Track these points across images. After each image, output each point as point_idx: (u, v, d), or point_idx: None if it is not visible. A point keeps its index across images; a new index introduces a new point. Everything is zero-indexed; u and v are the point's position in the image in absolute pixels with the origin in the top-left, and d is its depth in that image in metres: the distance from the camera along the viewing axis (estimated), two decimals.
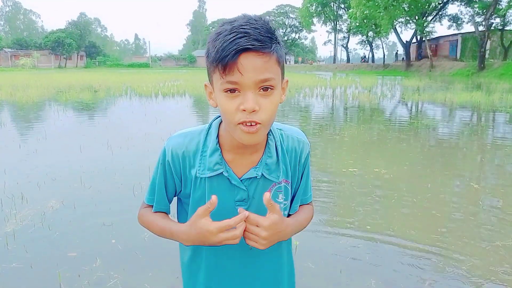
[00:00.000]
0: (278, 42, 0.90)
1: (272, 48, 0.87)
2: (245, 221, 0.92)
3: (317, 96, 16.31)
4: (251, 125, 0.89)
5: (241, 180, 1.02)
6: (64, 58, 75.26)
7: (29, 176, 4.80)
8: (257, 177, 1.02)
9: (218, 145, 1.02)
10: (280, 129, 1.08)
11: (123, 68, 72.83)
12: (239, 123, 0.90)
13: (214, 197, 0.91)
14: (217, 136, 1.03)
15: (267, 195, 0.91)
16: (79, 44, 77.89)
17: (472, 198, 4.17)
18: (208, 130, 1.05)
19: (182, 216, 1.13)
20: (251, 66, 0.86)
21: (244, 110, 0.88)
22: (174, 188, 1.09)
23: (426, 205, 3.97)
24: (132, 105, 13.21)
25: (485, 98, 14.08)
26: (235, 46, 0.84)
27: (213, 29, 0.94)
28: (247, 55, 0.85)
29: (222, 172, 1.01)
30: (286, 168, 1.07)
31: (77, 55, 79.74)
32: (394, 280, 2.66)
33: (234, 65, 0.85)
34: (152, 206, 1.11)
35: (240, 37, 0.84)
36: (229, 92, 0.89)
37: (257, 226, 0.93)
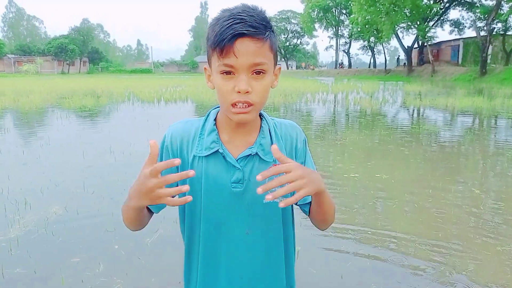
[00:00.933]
0: (272, 31, 0.97)
1: (266, 35, 0.95)
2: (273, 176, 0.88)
3: (319, 101, 16.34)
4: (243, 106, 0.96)
5: (236, 160, 1.05)
6: (67, 64, 75.70)
7: (32, 182, 4.84)
8: (252, 154, 1.05)
9: (215, 126, 1.08)
10: (273, 119, 1.14)
11: (126, 73, 73.17)
12: (232, 104, 0.96)
13: (152, 142, 0.87)
14: (215, 119, 1.09)
15: (274, 147, 0.89)
16: (82, 50, 78.36)
17: (473, 203, 4.17)
18: (207, 117, 1.11)
19: (181, 209, 1.14)
20: (246, 50, 0.92)
21: (239, 92, 0.94)
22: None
23: (427, 210, 3.98)
24: (134, 110, 13.28)
25: (486, 103, 14.09)
26: (231, 31, 0.91)
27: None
28: (242, 40, 0.92)
29: (218, 150, 1.04)
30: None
31: (80, 61, 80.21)
32: (395, 285, 2.67)
33: (231, 49, 0.92)
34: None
35: (237, 23, 0.91)
36: (225, 74, 0.96)
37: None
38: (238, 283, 1.09)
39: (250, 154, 1.05)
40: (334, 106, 15.30)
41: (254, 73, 0.96)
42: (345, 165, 5.91)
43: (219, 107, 1.09)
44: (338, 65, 71.06)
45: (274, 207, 1.06)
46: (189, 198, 0.89)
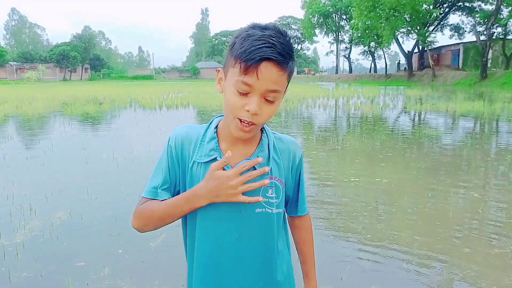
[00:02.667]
0: (294, 59, 1.01)
1: (288, 65, 0.99)
2: None
3: (320, 106, 16.41)
4: (247, 125, 1.01)
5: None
6: (69, 70, 76.04)
7: (37, 187, 4.90)
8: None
9: (215, 134, 1.12)
10: (273, 133, 1.19)
11: (127, 80, 73.44)
12: (237, 118, 1.01)
13: (229, 152, 1.03)
14: (216, 127, 1.14)
15: None
16: (84, 57, 78.71)
17: (473, 207, 4.22)
18: (210, 124, 1.16)
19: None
20: (268, 75, 0.96)
21: (248, 111, 0.99)
22: (175, 175, 1.14)
23: (427, 214, 4.03)
24: (136, 117, 13.36)
25: (487, 107, 14.14)
26: (261, 53, 0.94)
27: (241, 28, 1.03)
28: (267, 64, 0.95)
29: (216, 158, 1.09)
30: (278, 167, 1.14)
31: (82, 68, 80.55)
32: (395, 287, 2.72)
33: (255, 69, 0.95)
34: (154, 200, 1.13)
35: (268, 47, 0.95)
36: (240, 92, 0.99)
37: None
38: (227, 285, 1.13)
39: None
40: (335, 111, 15.37)
41: (265, 99, 1.00)
42: (345, 169, 5.96)
43: (222, 115, 1.13)
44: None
45: (266, 216, 1.12)
46: (260, 198, 1.06)
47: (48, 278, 2.81)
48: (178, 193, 1.15)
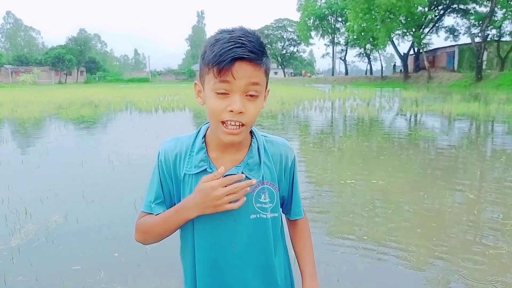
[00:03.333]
0: (267, 56, 1.02)
1: (262, 61, 0.99)
2: None
3: (316, 108, 16.44)
4: (235, 125, 0.99)
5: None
6: (64, 74, 75.76)
7: (32, 191, 4.88)
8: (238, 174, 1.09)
9: (204, 144, 1.11)
10: (264, 136, 1.17)
11: (123, 83, 73.34)
12: (222, 122, 1.00)
13: (222, 168, 1.03)
14: (204, 136, 1.13)
15: None
16: (79, 60, 78.43)
17: (468, 207, 4.24)
18: (198, 133, 1.15)
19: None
20: (243, 72, 0.96)
21: (231, 111, 0.98)
22: (168, 189, 1.15)
23: (423, 215, 4.04)
24: (132, 120, 13.33)
25: (482, 108, 14.21)
26: (232, 54, 0.94)
27: (211, 35, 1.03)
28: (241, 63, 0.95)
29: (206, 169, 1.08)
30: (270, 171, 1.13)
31: (77, 71, 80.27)
32: None
33: (229, 70, 0.95)
34: (151, 214, 1.14)
35: (238, 47, 0.95)
36: (219, 94, 0.98)
37: None
38: None
39: (236, 173, 1.08)
40: (331, 113, 15.40)
41: (248, 95, 0.99)
42: (342, 171, 5.97)
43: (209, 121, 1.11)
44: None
45: (261, 222, 1.12)
46: (244, 198, 1.04)
47: (44, 281, 2.80)
48: (174, 205, 1.16)
